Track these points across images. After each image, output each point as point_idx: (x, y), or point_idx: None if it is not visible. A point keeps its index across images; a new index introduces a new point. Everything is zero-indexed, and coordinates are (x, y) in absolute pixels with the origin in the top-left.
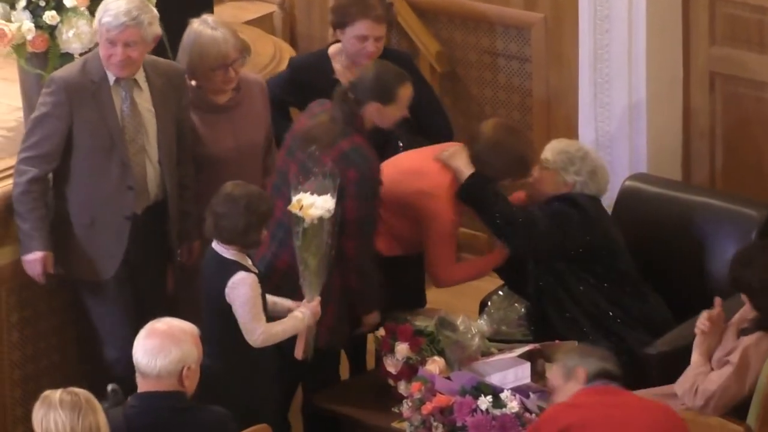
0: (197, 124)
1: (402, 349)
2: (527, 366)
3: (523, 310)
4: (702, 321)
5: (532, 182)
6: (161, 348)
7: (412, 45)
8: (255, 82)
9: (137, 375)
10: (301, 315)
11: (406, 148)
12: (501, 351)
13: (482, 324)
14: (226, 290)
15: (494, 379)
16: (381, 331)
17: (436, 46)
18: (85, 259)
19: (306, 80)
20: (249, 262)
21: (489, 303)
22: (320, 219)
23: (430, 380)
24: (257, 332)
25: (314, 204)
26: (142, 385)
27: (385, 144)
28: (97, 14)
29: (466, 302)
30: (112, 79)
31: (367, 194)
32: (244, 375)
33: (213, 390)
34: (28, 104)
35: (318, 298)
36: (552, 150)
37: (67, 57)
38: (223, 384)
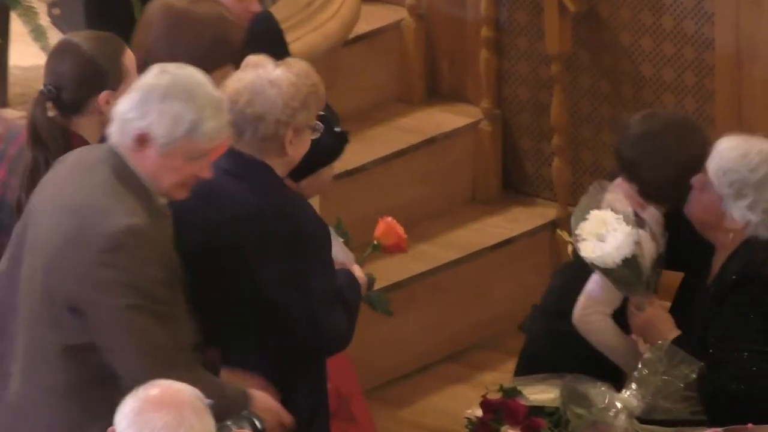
0: None
1: None
2: None
3: (693, 375)
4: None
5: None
6: (179, 422)
7: None
8: None
9: None
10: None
11: None
12: None
13: (630, 396)
14: None
15: None
16: (476, 410)
17: None
18: None
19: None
20: None
21: (639, 364)
22: None
23: None
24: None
25: None
26: None
27: None
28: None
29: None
30: None
31: None
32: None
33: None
34: None
35: (653, 300)
36: (718, 162)
37: None
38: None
